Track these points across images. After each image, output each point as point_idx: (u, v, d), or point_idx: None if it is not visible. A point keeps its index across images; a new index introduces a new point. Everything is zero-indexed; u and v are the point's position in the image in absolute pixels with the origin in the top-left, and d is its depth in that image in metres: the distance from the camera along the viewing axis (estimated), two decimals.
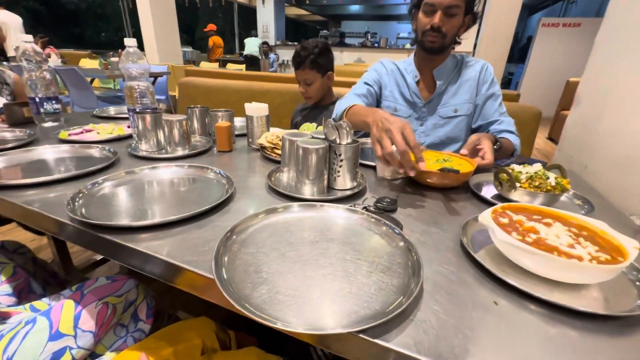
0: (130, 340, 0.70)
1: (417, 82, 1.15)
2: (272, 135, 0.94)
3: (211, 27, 6.95)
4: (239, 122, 1.33)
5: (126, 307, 0.71)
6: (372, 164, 0.84)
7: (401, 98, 1.18)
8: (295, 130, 1.03)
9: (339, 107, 1.05)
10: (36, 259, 0.91)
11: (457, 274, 0.45)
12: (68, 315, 0.61)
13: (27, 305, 0.70)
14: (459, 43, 1.10)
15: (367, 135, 1.16)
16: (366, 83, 1.16)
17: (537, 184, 0.64)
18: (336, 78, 2.03)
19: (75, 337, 0.61)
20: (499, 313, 0.38)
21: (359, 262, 0.45)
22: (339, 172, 0.69)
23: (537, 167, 0.68)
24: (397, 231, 0.52)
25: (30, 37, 1.07)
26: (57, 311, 0.61)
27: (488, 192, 0.73)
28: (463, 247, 0.50)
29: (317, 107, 1.43)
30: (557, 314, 0.38)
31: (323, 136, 0.70)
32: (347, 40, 9.82)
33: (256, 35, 7.21)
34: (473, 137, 0.82)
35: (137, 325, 0.72)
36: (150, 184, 0.70)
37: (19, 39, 4.22)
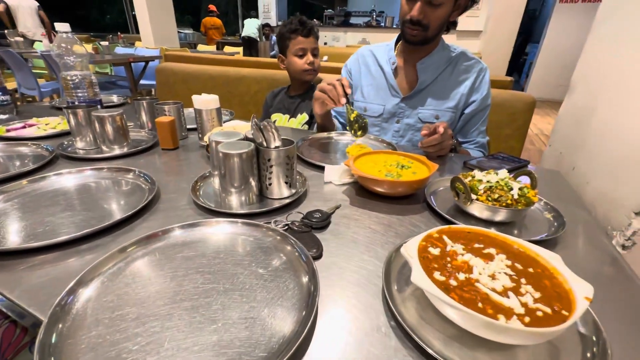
0: None
1: (395, 71, 1.02)
2: (220, 131, 0.84)
3: (211, 7, 6.73)
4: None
5: None
6: (321, 164, 0.75)
7: (373, 92, 1.05)
8: (242, 125, 0.93)
9: None
10: None
11: (367, 321, 0.36)
12: None
13: None
14: (453, 27, 0.95)
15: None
16: None
17: (496, 196, 0.54)
18: (331, 63, 1.90)
19: None
20: None
21: (235, 305, 0.36)
22: (270, 179, 0.60)
23: (502, 174, 0.58)
24: (303, 259, 0.43)
25: None
26: None
27: (449, 201, 0.63)
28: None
29: (292, 97, 1.32)
30: None
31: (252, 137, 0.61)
32: (353, 20, 9.39)
33: (256, 16, 6.95)
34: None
35: None
36: (52, 194, 0.60)
37: (33, 24, 4.25)
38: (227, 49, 5.40)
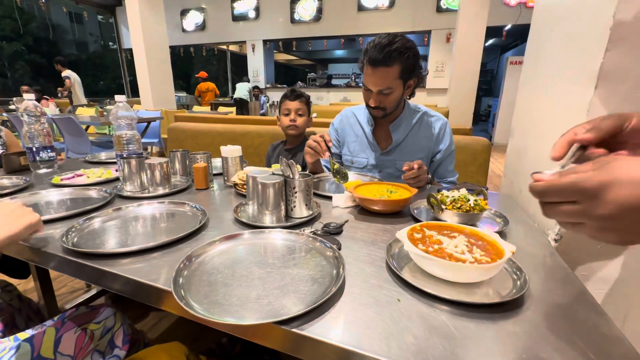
0: None
1: (373, 131, 1.24)
2: (243, 174, 1.06)
3: (201, 74, 7.43)
4: (218, 162, 1.45)
5: (104, 333, 0.77)
6: (330, 194, 0.96)
7: (358, 148, 1.27)
8: (261, 169, 1.15)
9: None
10: (21, 296, 0.97)
11: (378, 279, 0.55)
12: (49, 341, 0.68)
13: (12, 337, 0.76)
14: (413, 96, 1.20)
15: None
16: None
17: (459, 205, 0.76)
18: (319, 119, 2.23)
19: None
20: (400, 307, 0.48)
21: (292, 271, 0.55)
22: (294, 202, 0.80)
23: (463, 191, 0.81)
24: (328, 245, 0.62)
25: (32, 96, 1.21)
26: (39, 337, 0.68)
27: (429, 215, 0.85)
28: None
29: (289, 149, 1.57)
30: (450, 306, 0.48)
31: (281, 173, 0.82)
32: (335, 82, 10.48)
33: (248, 81, 7.66)
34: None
35: (113, 351, 0.78)
36: (134, 218, 0.80)
37: (81, 94, 5.36)
38: (221, 109, 5.87)
